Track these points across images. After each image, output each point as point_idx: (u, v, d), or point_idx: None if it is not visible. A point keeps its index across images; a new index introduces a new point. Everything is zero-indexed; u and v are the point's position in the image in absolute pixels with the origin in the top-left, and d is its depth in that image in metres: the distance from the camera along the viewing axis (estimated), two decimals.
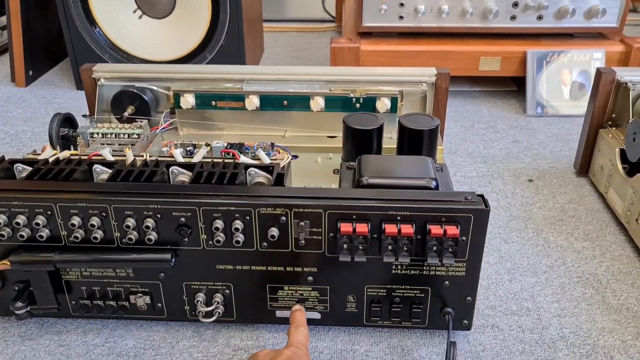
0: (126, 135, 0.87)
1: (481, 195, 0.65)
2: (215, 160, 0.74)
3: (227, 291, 0.70)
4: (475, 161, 1.16)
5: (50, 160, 0.73)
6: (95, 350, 0.70)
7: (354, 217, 0.64)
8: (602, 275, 0.82)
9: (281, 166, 0.73)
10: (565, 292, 0.79)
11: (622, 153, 0.93)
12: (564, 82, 1.36)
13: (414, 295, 0.69)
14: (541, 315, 0.75)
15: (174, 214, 0.65)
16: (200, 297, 0.70)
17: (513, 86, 1.52)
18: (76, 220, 0.65)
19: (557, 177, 1.09)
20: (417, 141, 0.84)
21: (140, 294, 0.70)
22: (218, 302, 0.70)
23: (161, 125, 0.98)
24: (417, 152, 0.82)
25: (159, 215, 0.65)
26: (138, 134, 0.87)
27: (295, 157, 0.92)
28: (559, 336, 0.72)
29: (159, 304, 0.71)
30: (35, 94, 1.50)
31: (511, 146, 1.23)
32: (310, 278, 0.68)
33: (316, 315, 0.71)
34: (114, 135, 0.87)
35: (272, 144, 0.89)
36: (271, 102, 0.96)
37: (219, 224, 0.64)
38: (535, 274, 0.83)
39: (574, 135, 1.25)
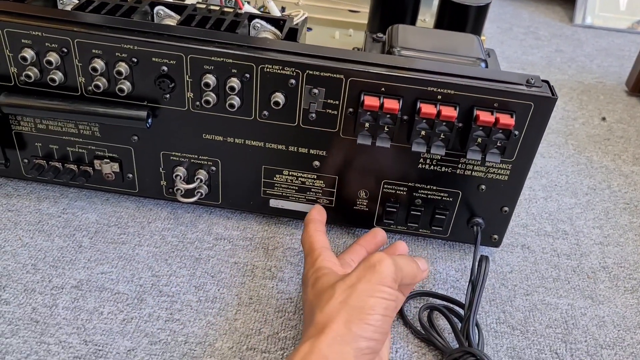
0: None
1: (546, 81, 0.51)
2: (212, 6, 0.59)
3: (214, 168, 0.57)
4: (512, 67, 1.01)
5: None
6: (49, 220, 0.58)
7: (383, 89, 0.50)
8: None
9: (294, 22, 0.58)
10: (609, 219, 0.67)
11: None
12: None
13: (440, 198, 0.56)
14: (580, 241, 0.64)
15: (153, 59, 0.50)
16: (181, 171, 0.57)
17: None
18: (29, 53, 0.50)
19: (604, 94, 0.95)
20: (461, 21, 0.69)
21: (108, 160, 0.57)
22: (201, 180, 0.57)
23: None
24: None
25: (135, 60, 0.50)
26: None
27: (308, 29, 0.77)
28: (601, 266, 0.61)
29: (130, 175, 0.59)
30: None
31: (553, 55, 1.07)
32: (316, 163, 0.56)
33: None
34: None
35: (283, 8, 0.74)
36: None
37: (210, 79, 0.50)
38: (575, 194, 0.71)
39: (627, 52, 1.10)
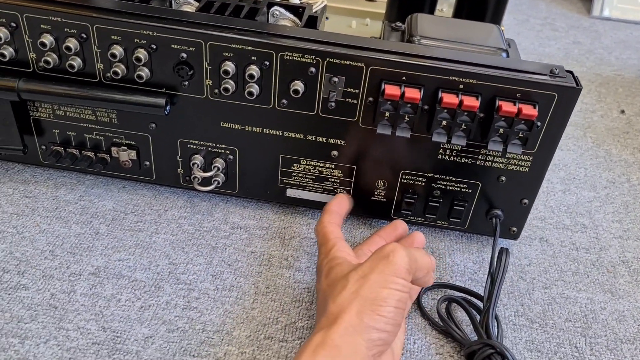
0: None
1: (570, 72, 0.50)
2: None
3: (231, 157, 0.57)
4: (529, 58, 1.00)
5: None
6: (66, 207, 0.58)
7: (404, 78, 0.49)
8: None
9: (314, 10, 0.58)
10: (628, 212, 0.67)
11: None
12: None
13: (458, 189, 0.56)
14: (599, 235, 0.63)
15: (172, 46, 0.50)
16: (198, 160, 0.57)
17: None
18: (47, 39, 0.50)
19: (623, 86, 0.94)
20: (481, 11, 0.68)
21: (125, 147, 0.57)
22: (218, 169, 0.57)
23: None
24: None
25: (154, 47, 0.50)
26: None
27: (326, 18, 0.77)
28: (620, 260, 0.60)
29: (147, 162, 0.58)
30: None
31: (571, 47, 1.06)
32: (334, 153, 0.55)
33: None
34: None
35: None
36: None
37: (230, 67, 0.50)
38: (593, 187, 0.70)
39: None
